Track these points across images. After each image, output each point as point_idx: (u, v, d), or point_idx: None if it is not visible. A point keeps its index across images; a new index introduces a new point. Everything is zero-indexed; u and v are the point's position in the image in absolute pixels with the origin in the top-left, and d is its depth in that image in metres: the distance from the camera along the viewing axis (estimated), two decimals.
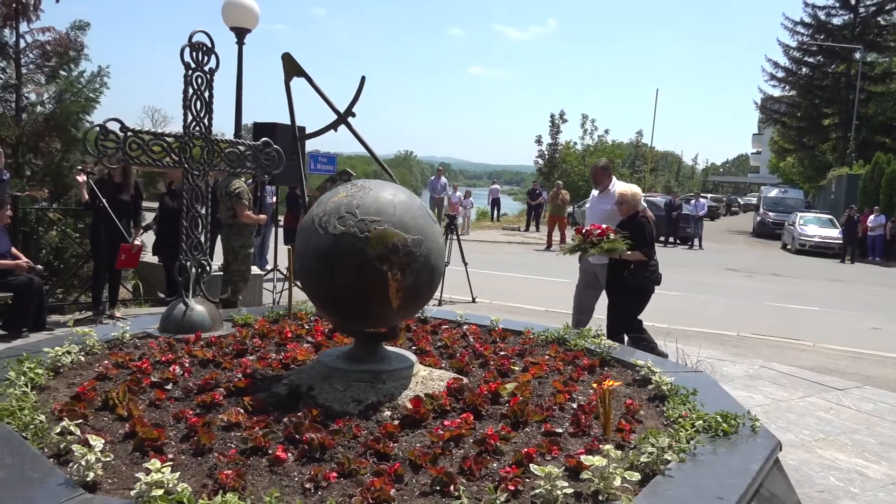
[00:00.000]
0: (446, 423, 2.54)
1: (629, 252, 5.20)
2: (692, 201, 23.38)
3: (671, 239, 23.33)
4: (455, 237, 10.68)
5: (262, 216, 7.73)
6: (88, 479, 1.92)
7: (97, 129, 3.32)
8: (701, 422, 2.63)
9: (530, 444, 2.48)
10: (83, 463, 1.92)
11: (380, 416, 2.68)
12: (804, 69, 36.52)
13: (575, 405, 2.88)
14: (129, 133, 3.40)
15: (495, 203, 31.06)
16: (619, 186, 5.99)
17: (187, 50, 3.61)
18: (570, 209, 32.17)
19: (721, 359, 7.17)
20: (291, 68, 3.24)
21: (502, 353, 3.65)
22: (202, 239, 3.82)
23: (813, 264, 20.14)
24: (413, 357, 3.16)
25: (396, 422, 2.63)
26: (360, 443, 2.38)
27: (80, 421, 2.38)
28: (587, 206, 7.25)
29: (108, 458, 2.00)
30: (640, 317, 5.78)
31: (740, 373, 6.59)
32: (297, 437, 2.37)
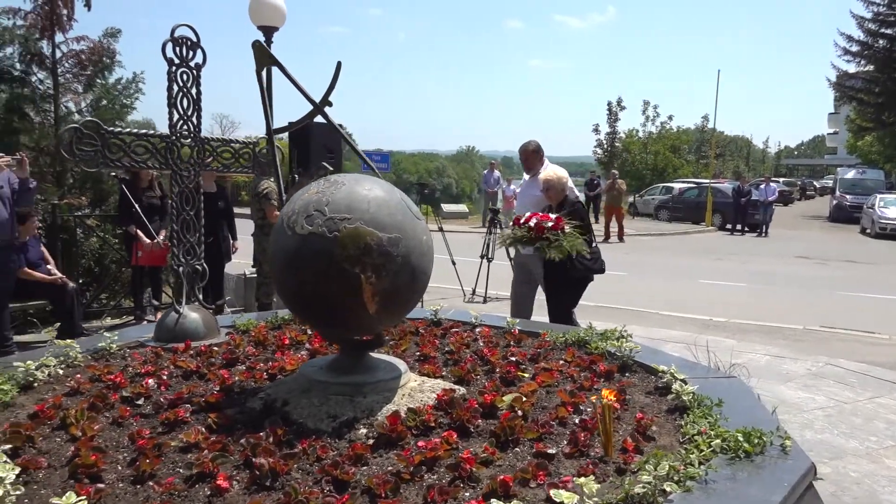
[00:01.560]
0: (421, 443, 2.26)
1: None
2: (761, 186, 22.23)
3: (738, 226, 22.30)
4: (498, 231, 10.34)
5: None
6: None
7: (70, 131, 3.18)
8: (719, 440, 2.26)
9: (516, 467, 2.17)
10: None
11: (354, 434, 2.42)
12: (881, 41, 34.30)
13: (578, 419, 2.55)
14: (108, 134, 3.26)
15: None
16: (545, 171, 5.54)
17: (170, 45, 3.44)
18: (630, 199, 31.30)
19: (780, 355, 6.63)
20: (262, 57, 3.02)
21: (513, 358, 3.33)
22: (195, 243, 3.65)
23: (894, 250, 18.84)
24: (403, 366, 2.89)
25: (371, 441, 2.36)
26: (320, 467, 2.12)
27: (17, 445, 2.21)
28: (518, 190, 6.88)
29: (18, 492, 1.81)
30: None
31: (802, 371, 6.05)
32: (254, 460, 2.14)
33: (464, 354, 3.41)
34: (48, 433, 2.41)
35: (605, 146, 35.14)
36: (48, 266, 7.06)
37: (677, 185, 28.92)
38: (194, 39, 3.51)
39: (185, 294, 3.62)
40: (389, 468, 2.17)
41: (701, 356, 4.39)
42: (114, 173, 7.43)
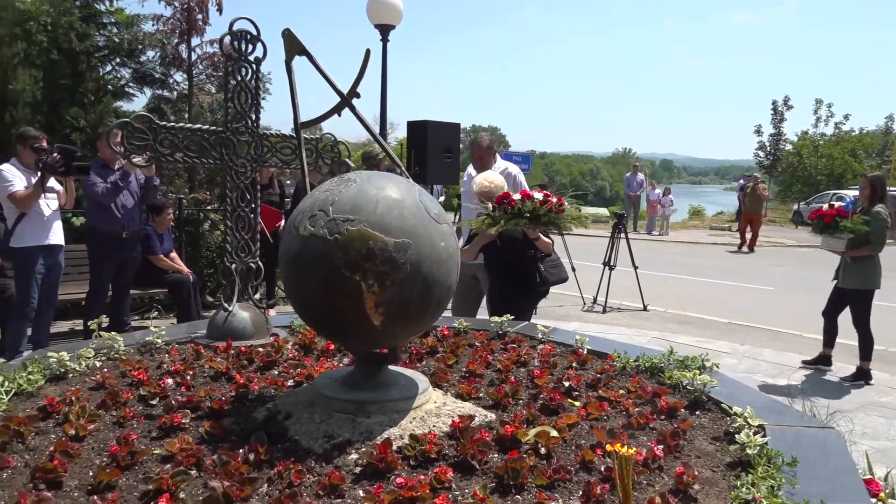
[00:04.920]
0: (400, 480, 1.97)
1: (544, 238, 4.48)
2: None
3: None
4: (623, 236, 9.72)
5: None
6: None
7: (121, 125, 3.20)
8: None
9: None
10: None
11: (343, 459, 2.18)
12: None
13: (604, 466, 2.14)
14: (160, 129, 3.25)
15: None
16: (479, 179, 4.89)
17: (228, 39, 3.38)
18: (795, 206, 28.61)
19: None
20: (292, 46, 2.86)
21: (567, 382, 2.94)
22: (249, 240, 3.59)
23: None
24: (423, 385, 2.61)
25: (358, 469, 2.11)
26: (276, 498, 1.90)
27: (4, 440, 2.18)
28: (462, 189, 6.06)
29: None
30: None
31: None
32: (209, 482, 1.96)
33: (511, 374, 3.07)
34: (51, 428, 2.39)
35: (769, 149, 32.40)
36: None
37: (852, 192, 26.05)
38: (254, 33, 3.44)
39: (237, 292, 3.57)
40: None
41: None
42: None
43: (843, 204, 6.54)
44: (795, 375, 6.30)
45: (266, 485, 2.00)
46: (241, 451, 2.13)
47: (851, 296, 6.50)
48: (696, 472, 2.10)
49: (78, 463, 2.11)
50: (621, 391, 2.89)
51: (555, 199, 4.10)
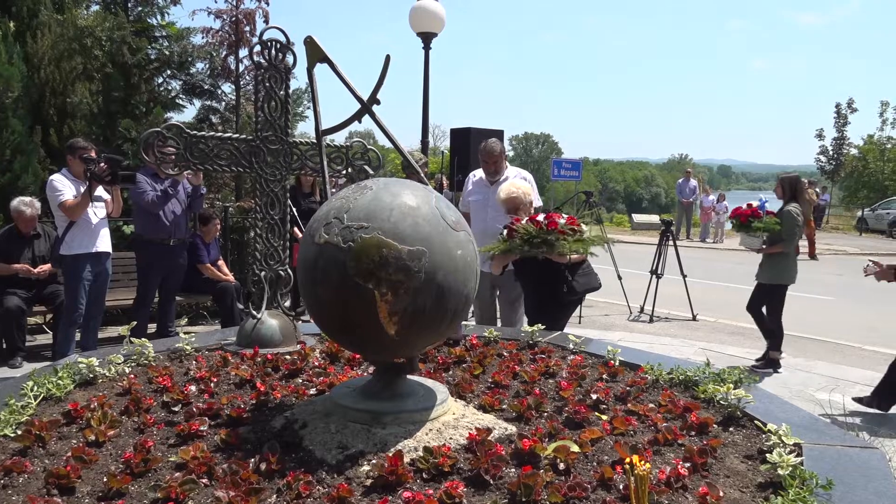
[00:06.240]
0: (407, 494, 1.92)
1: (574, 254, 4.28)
2: None
3: None
4: (671, 244, 9.47)
5: None
6: None
7: (153, 133, 3.26)
8: None
9: None
10: None
11: (355, 470, 2.14)
12: None
13: (623, 485, 2.05)
14: (191, 138, 3.29)
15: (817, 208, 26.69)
16: (506, 186, 4.77)
17: (258, 48, 3.42)
18: (859, 213, 27.54)
19: None
20: (314, 53, 2.85)
21: (594, 395, 2.85)
22: (279, 247, 3.61)
23: None
24: (441, 396, 2.56)
25: (369, 482, 2.08)
26: None
27: (26, 444, 2.22)
28: (471, 198, 5.73)
29: None
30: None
31: None
32: (214, 492, 1.95)
33: (536, 386, 2.99)
34: (73, 433, 2.42)
35: (831, 153, 31.25)
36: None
37: None
38: (284, 41, 3.46)
39: (266, 300, 3.59)
40: None
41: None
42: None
43: (759, 204, 6.83)
44: (850, 390, 5.99)
45: (275, 496, 1.98)
46: (252, 460, 2.12)
47: (765, 290, 6.89)
48: (722, 493, 1.99)
49: (94, 469, 2.13)
50: (651, 405, 2.78)
51: (563, 220, 4.04)
